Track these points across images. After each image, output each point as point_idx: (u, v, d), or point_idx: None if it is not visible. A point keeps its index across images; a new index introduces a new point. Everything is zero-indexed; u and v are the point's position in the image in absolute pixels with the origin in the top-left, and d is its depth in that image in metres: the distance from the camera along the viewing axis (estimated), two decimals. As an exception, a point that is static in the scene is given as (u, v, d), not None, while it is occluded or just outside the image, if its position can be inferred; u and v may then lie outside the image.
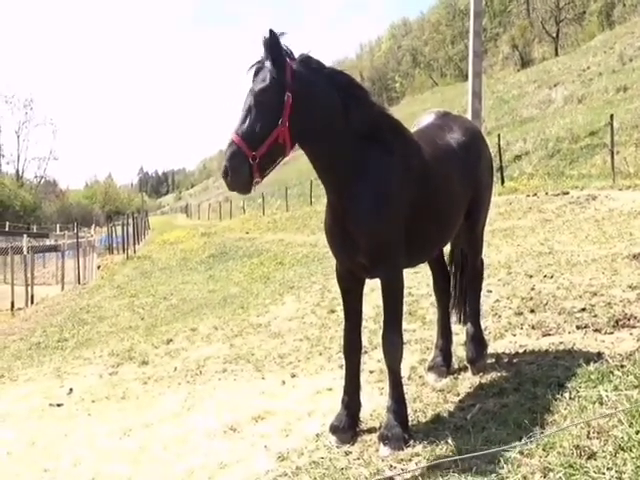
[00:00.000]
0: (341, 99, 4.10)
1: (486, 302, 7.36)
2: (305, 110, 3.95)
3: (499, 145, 25.25)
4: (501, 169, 24.35)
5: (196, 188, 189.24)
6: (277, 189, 56.01)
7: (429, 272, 5.90)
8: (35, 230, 50.17)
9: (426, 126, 5.29)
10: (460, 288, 5.72)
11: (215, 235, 35.24)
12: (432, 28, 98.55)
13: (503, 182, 23.41)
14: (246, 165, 3.80)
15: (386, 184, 4.19)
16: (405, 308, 4.93)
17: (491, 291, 7.94)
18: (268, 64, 3.91)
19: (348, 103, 4.14)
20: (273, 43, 3.91)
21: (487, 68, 70.44)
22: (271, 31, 3.89)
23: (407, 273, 4.64)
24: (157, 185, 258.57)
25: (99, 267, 30.10)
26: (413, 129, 5.16)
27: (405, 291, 4.50)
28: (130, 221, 38.29)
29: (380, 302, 4.43)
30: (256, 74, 3.95)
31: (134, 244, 36.01)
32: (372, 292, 8.20)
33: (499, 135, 27.47)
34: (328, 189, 4.28)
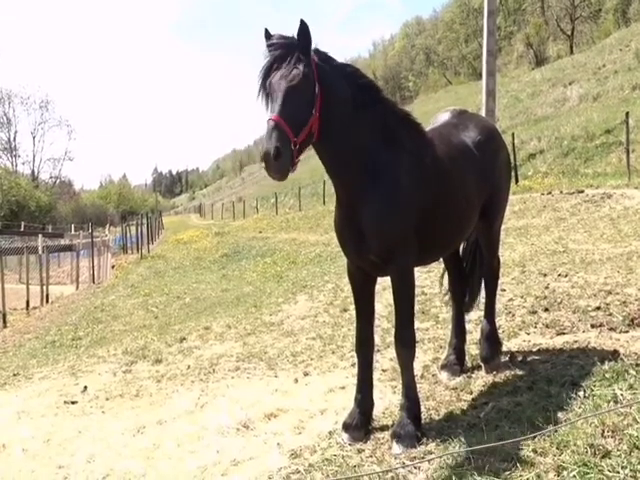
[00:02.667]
0: (352, 94, 4.11)
1: (500, 301, 7.33)
2: (327, 103, 3.96)
3: (513, 144, 25.13)
4: (515, 168, 24.23)
5: (209, 188, 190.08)
6: (290, 189, 56.13)
7: (442, 271, 5.90)
8: (50, 230, 50.43)
9: (442, 125, 5.28)
10: (475, 286, 5.70)
11: (228, 235, 35.33)
12: (446, 27, 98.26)
13: (517, 181, 23.31)
14: (289, 149, 3.71)
15: (398, 182, 4.18)
16: (418, 307, 4.92)
17: (505, 290, 7.91)
18: (298, 53, 3.88)
19: (360, 99, 4.15)
20: (304, 33, 3.90)
21: (501, 67, 70.19)
22: (302, 21, 3.88)
23: (420, 272, 4.65)
24: (171, 185, 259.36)
25: (113, 266, 30.21)
26: (429, 128, 5.15)
27: (418, 290, 4.50)
28: (144, 221, 38.39)
29: (392, 300, 4.43)
30: (282, 58, 3.89)
31: (148, 244, 36.12)
32: (384, 290, 8.22)
33: (513, 134, 27.33)
34: (339, 187, 4.27)
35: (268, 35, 3.97)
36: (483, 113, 21.95)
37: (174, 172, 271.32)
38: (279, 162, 3.65)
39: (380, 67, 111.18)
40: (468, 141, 5.01)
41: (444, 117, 5.42)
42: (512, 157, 23.90)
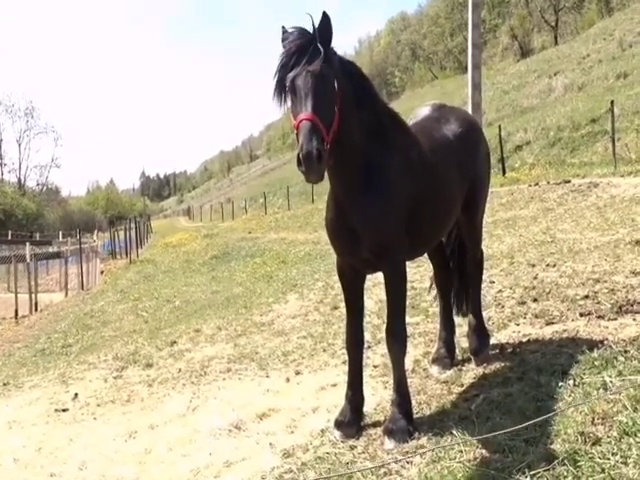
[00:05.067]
0: (353, 90, 4.11)
1: (489, 292, 7.37)
2: (341, 102, 3.92)
3: (500, 136, 25.22)
4: (502, 160, 24.34)
5: (197, 190, 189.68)
6: (279, 188, 56.12)
7: (430, 266, 5.91)
8: (38, 238, 50.18)
9: (423, 119, 5.30)
10: (460, 279, 5.72)
11: (217, 236, 35.27)
12: (431, 22, 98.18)
13: (505, 173, 23.40)
14: (325, 150, 3.62)
15: (392, 181, 4.23)
16: (408, 302, 4.94)
17: (494, 282, 7.95)
18: (321, 47, 3.83)
19: (359, 95, 4.16)
20: (326, 26, 3.86)
21: (487, 60, 70.32)
22: (325, 13, 3.84)
23: (409, 266, 4.65)
24: (159, 189, 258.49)
25: (102, 272, 30.15)
26: (410, 122, 5.17)
27: (407, 285, 4.50)
28: (132, 225, 38.37)
29: (383, 297, 4.46)
30: (304, 53, 3.81)
31: (137, 248, 36.03)
32: (374, 287, 8.25)
33: (500, 126, 27.44)
34: (335, 186, 4.26)
35: (285, 32, 3.91)
36: (469, 106, 21.94)
37: (162, 175, 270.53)
38: (321, 164, 3.58)
39: (366, 63, 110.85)
40: (449, 134, 5.05)
41: (424, 111, 5.44)
42: (499, 149, 24.17)
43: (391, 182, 4.23)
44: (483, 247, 5.82)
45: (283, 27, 3.92)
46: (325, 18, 3.84)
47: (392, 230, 4.22)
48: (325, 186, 4.24)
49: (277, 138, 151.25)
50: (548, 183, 18.12)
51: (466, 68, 24.87)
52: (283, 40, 3.89)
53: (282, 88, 3.86)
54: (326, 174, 3.84)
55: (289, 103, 3.87)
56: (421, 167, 4.47)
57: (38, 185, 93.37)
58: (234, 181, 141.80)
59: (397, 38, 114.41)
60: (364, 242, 4.20)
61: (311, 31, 3.86)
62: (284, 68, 3.84)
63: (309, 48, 3.81)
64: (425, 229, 4.62)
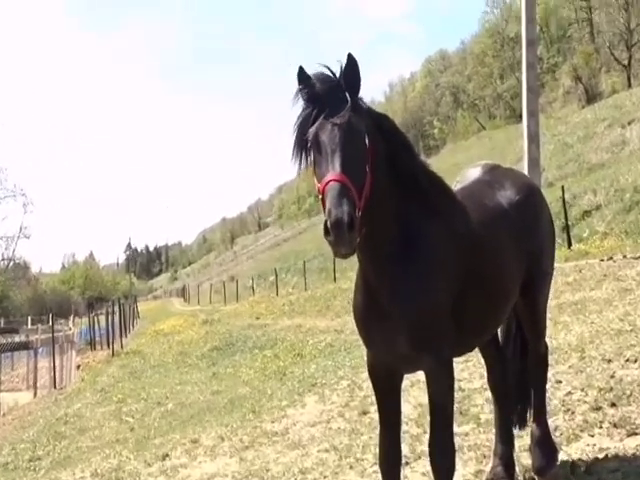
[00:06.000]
0: (386, 147, 4.16)
1: (555, 395, 7.29)
2: (372, 161, 3.94)
3: (563, 199, 25.28)
4: (567, 229, 24.33)
5: (194, 266, 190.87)
6: (293, 263, 56.41)
7: (482, 361, 5.89)
8: (2, 324, 50.53)
9: (472, 183, 5.36)
10: (520, 379, 5.68)
11: (219, 323, 35.31)
12: (476, 61, 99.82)
13: (570, 245, 23.36)
14: (357, 217, 3.60)
15: (431, 254, 4.26)
16: (455, 406, 4.90)
17: (561, 381, 7.87)
18: (349, 96, 3.88)
19: (394, 153, 4.21)
20: (353, 70, 3.93)
21: (545, 106, 71.13)
22: (350, 55, 3.90)
23: (456, 363, 4.64)
24: (148, 264, 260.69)
25: (79, 367, 30.16)
26: (456, 187, 5.25)
27: (455, 386, 4.49)
28: (116, 309, 38.52)
29: (423, 400, 4.44)
30: (329, 103, 3.86)
31: (121, 337, 36.10)
32: (413, 387, 8.20)
33: (563, 187, 27.53)
34: (364, 260, 4.27)
35: (303, 75, 3.95)
36: (525, 163, 22.14)
37: (151, 248, 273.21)
38: (353, 233, 3.54)
39: (399, 111, 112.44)
40: (504, 202, 5.10)
41: (474, 174, 5.52)
42: (562, 216, 24.19)
43: (433, 259, 4.26)
44: (547, 338, 5.80)
45: (301, 67, 3.97)
46: (351, 61, 3.91)
47: (435, 318, 4.22)
48: (351, 262, 4.26)
49: (291, 202, 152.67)
50: (625, 257, 18.05)
51: (520, 116, 25.26)
52: (301, 86, 3.95)
53: (303, 145, 3.92)
54: None
55: (311, 162, 3.92)
56: (469, 241, 4.51)
57: (3, 260, 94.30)
58: (239, 255, 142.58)
59: (436, 81, 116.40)
60: (401, 333, 4.19)
61: (335, 76, 3.94)
62: (305, 120, 3.91)
63: (334, 96, 3.87)
64: (475, 317, 4.61)
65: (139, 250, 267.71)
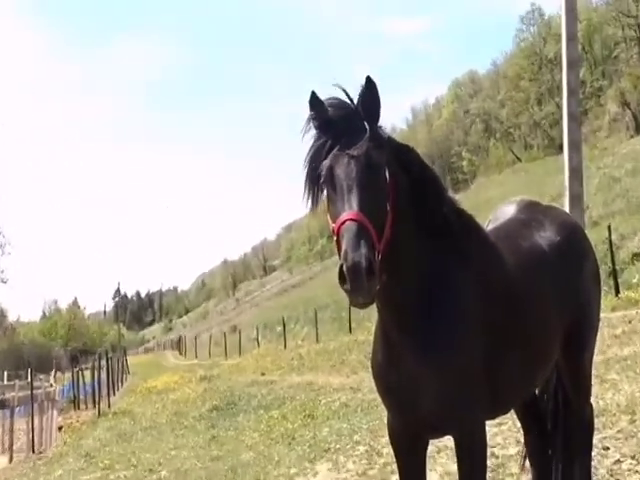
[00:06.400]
0: (410, 183, 4.16)
1: (602, 464, 7.24)
2: (393, 197, 3.93)
3: (610, 241, 25.19)
4: (614, 274, 24.21)
5: (192, 315, 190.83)
6: (303, 312, 56.30)
7: (518, 424, 5.86)
8: (-27, 380, 50.51)
9: (507, 222, 5.38)
10: (561, 445, 5.65)
11: (219, 379, 35.22)
12: (510, 85, 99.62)
13: (618, 292, 23.23)
14: (377, 261, 3.58)
15: (461, 308, 4.25)
16: (488, 475, 4.88)
17: (608, 448, 7.82)
18: (367, 125, 3.89)
19: (418, 189, 4.20)
20: (373, 96, 3.93)
21: (589, 135, 71.22)
22: (369, 79, 3.90)
23: (489, 427, 4.63)
24: (139, 312, 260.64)
25: (61, 428, 30.05)
26: (489, 227, 5.26)
27: (487, 451, 4.47)
28: (103, 363, 38.43)
29: (451, 468, 4.43)
30: (345, 133, 3.87)
31: (108, 395, 36.00)
32: (440, 454, 8.15)
33: (609, 226, 27.43)
34: (384, 310, 4.26)
35: (315, 100, 3.95)
36: (566, 199, 22.17)
37: (143, 294, 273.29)
38: (372, 280, 3.49)
39: (423, 141, 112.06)
40: (544, 244, 5.11)
41: (509, 211, 5.53)
42: (609, 259, 24.09)
43: (462, 311, 4.25)
44: (593, 399, 5.78)
45: (313, 92, 3.97)
46: (370, 84, 3.90)
47: (465, 378, 4.19)
48: (369, 310, 4.25)
49: (300, 243, 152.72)
50: (680, 306, 17.98)
51: (560, 147, 25.36)
52: (313, 112, 3.96)
53: (315, 180, 3.92)
54: None
55: (324, 200, 3.92)
56: (504, 289, 4.51)
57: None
58: (242, 302, 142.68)
59: (465, 106, 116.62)
60: (426, 393, 4.18)
61: (351, 101, 3.95)
62: (318, 152, 3.91)
63: (351, 125, 3.87)
64: (511, 376, 4.60)
65: (129, 296, 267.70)
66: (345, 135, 3.84)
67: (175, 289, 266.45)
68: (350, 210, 3.62)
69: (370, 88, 3.89)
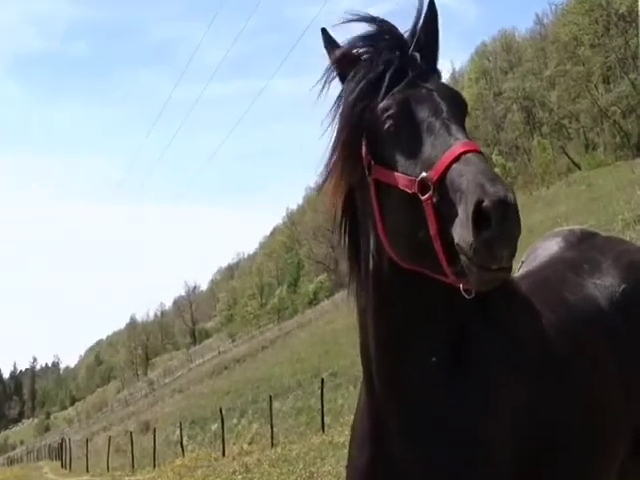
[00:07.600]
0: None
1: None
2: None
3: None
4: None
5: (81, 406, 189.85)
6: (251, 400, 56.30)
7: None
8: None
9: (547, 264, 5.41)
10: None
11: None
12: (563, 53, 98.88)
13: None
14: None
15: (484, 387, 4.24)
16: None
17: None
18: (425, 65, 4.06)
19: None
20: (434, 28, 4.14)
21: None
22: (432, 3, 4.09)
23: None
24: (1, 400, 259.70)
25: None
26: (523, 268, 5.27)
27: None
28: None
29: None
30: (399, 69, 3.99)
31: None
32: None
33: None
34: (370, 390, 4.35)
35: (328, 40, 4.20)
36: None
37: (6, 374, 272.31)
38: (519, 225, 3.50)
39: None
40: (601, 297, 5.09)
41: (552, 247, 5.56)
42: None
43: (485, 393, 4.23)
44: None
45: (324, 30, 4.21)
46: (433, 10, 4.08)
47: None
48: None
49: (247, 295, 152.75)
50: None
51: (638, 147, 25.82)
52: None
53: (371, 125, 3.96)
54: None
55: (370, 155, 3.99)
56: (543, 364, 4.52)
57: None
58: (158, 386, 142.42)
59: (496, 87, 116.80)
60: None
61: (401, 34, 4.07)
62: (372, 87, 3.96)
63: (408, 60, 3.99)
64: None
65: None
66: (407, 72, 3.94)
67: (56, 366, 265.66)
68: (459, 141, 3.68)
69: (433, 15, 4.08)
